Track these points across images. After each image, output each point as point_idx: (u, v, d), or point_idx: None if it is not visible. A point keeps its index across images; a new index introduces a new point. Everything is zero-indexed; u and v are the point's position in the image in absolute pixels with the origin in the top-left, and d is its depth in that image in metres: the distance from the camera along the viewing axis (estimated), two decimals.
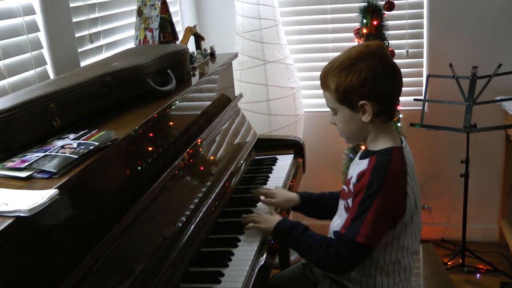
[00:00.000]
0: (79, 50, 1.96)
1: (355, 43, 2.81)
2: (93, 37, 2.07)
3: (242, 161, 2.08)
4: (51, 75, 1.81)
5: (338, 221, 1.54)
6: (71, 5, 1.92)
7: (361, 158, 1.50)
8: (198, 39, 2.35)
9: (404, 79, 3.25)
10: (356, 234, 1.36)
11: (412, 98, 2.88)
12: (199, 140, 1.81)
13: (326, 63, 1.47)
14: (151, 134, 1.55)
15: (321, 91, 1.51)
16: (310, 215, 1.78)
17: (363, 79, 1.37)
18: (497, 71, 2.61)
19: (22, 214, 0.95)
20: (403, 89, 3.18)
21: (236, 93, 2.45)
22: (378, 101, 1.40)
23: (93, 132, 1.31)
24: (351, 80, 1.38)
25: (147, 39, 2.13)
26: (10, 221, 0.94)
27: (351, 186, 1.45)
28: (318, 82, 1.49)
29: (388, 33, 2.78)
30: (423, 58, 3.05)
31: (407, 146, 1.47)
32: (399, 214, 1.39)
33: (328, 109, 1.51)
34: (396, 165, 1.39)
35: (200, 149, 1.82)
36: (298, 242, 1.50)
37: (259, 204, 1.85)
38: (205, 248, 1.60)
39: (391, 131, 1.47)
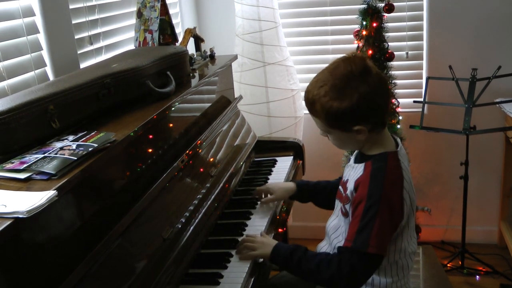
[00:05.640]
0: (78, 52, 1.96)
1: (354, 45, 2.81)
2: (92, 39, 2.07)
3: (241, 163, 2.08)
4: (51, 77, 1.81)
5: (335, 221, 1.54)
6: (71, 6, 1.92)
7: (356, 161, 1.50)
8: (198, 41, 2.35)
9: (403, 81, 3.26)
10: (367, 245, 1.34)
11: (411, 100, 2.89)
12: (199, 142, 1.81)
13: (326, 65, 1.45)
14: (150, 136, 1.55)
15: None
16: (306, 201, 1.81)
17: (354, 106, 1.34)
18: (496, 73, 2.62)
19: (20, 216, 0.95)
20: (403, 91, 3.20)
21: (236, 95, 2.46)
22: (371, 120, 1.39)
23: (92, 133, 1.31)
24: (343, 109, 1.35)
25: (147, 41, 2.13)
26: (8, 222, 0.94)
27: (348, 193, 1.45)
28: None
29: (388, 35, 2.78)
30: (422, 60, 3.05)
31: (402, 149, 1.47)
32: (398, 219, 1.39)
33: None
34: (393, 171, 1.40)
35: (200, 151, 1.82)
36: (301, 264, 1.44)
37: (259, 206, 1.85)
38: (204, 249, 1.60)
39: (385, 137, 1.46)
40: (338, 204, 1.55)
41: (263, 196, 1.87)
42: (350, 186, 1.44)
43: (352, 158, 1.54)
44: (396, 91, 2.84)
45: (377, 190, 1.36)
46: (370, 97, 1.35)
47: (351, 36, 2.86)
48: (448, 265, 2.92)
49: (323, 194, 1.74)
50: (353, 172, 1.47)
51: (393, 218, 1.37)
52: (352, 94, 1.34)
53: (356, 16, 2.79)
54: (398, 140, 1.49)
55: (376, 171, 1.39)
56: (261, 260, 1.53)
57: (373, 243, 1.33)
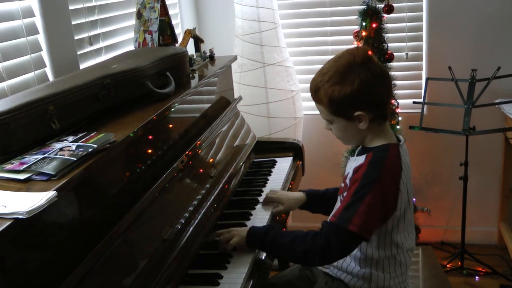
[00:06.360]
0: (78, 53, 1.96)
1: (354, 46, 2.81)
2: (92, 40, 2.07)
3: (241, 164, 2.08)
4: (51, 78, 1.81)
5: None
6: (71, 7, 1.92)
7: (358, 155, 1.53)
8: (198, 41, 2.35)
9: (403, 82, 3.26)
10: (349, 223, 1.36)
11: (411, 101, 2.89)
12: (198, 142, 1.81)
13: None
14: (150, 137, 1.55)
15: None
16: (316, 211, 1.81)
17: (355, 91, 1.38)
18: (496, 74, 2.62)
19: (20, 216, 0.96)
20: (402, 92, 3.20)
21: (236, 96, 2.46)
22: (372, 108, 1.42)
23: (92, 134, 1.31)
24: (344, 93, 1.39)
25: (147, 42, 2.14)
26: (8, 223, 0.94)
27: (347, 181, 1.48)
28: None
29: (388, 36, 2.78)
30: (422, 61, 3.05)
31: (404, 145, 1.50)
32: (390, 209, 1.41)
33: None
34: (392, 161, 1.42)
35: (199, 151, 1.82)
36: (276, 241, 1.48)
37: (259, 206, 1.86)
38: (204, 250, 1.60)
39: (387, 131, 1.49)
40: (338, 199, 1.57)
41: (273, 210, 1.84)
42: (350, 174, 1.47)
43: (356, 153, 1.56)
44: (395, 91, 2.85)
45: (374, 174, 1.39)
46: (371, 83, 1.40)
47: (351, 37, 2.86)
48: (448, 265, 2.92)
49: (332, 201, 1.70)
50: (354, 164, 1.49)
51: (384, 205, 1.39)
52: (354, 79, 1.39)
53: (356, 17, 2.79)
54: (401, 137, 1.52)
55: (376, 159, 1.42)
56: (261, 263, 1.53)
57: (355, 222, 1.35)
